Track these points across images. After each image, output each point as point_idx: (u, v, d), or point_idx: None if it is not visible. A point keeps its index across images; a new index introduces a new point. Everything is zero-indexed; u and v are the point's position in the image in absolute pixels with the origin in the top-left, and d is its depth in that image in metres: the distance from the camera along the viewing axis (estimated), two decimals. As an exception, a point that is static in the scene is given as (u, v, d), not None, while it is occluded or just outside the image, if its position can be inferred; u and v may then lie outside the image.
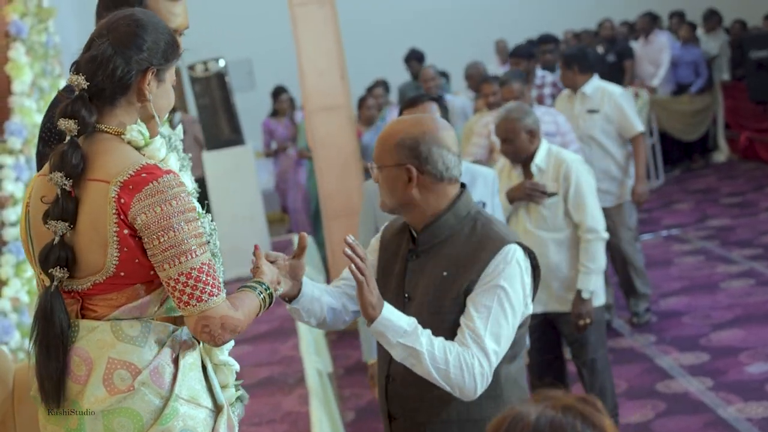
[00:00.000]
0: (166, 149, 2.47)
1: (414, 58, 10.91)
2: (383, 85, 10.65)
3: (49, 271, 2.30)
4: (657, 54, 12.34)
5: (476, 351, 2.67)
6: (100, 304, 2.35)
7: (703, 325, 6.74)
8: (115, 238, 2.27)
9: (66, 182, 2.28)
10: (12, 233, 6.42)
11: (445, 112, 4.00)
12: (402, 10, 15.08)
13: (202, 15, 14.43)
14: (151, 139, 2.42)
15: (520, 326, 2.79)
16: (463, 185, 2.90)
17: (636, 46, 12.77)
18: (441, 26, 15.01)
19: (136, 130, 2.38)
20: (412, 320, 2.70)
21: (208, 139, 9.76)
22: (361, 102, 9.76)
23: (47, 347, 2.31)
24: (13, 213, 6.39)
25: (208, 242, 2.39)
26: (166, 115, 2.54)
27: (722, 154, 13.03)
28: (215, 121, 9.65)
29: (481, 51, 13.42)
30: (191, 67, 9.59)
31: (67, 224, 2.28)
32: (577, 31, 13.80)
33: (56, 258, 2.29)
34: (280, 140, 11.59)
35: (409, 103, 4.09)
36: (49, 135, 2.70)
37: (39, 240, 2.38)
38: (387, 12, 15.00)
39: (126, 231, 2.27)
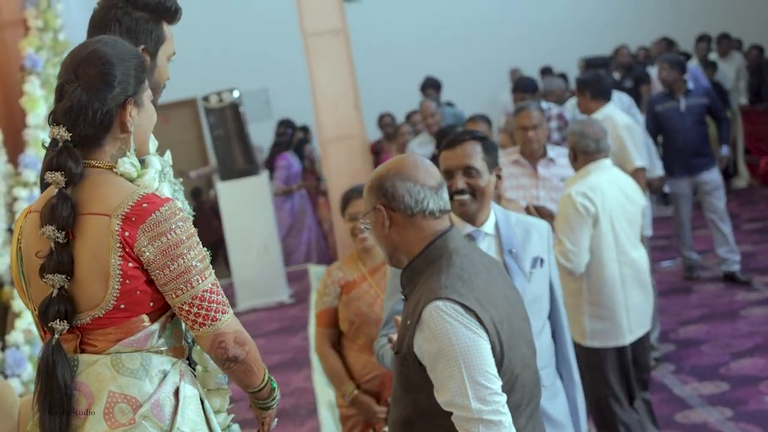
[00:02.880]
0: (159, 178, 2.46)
1: (430, 87, 10.83)
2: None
3: (49, 324, 2.30)
4: (673, 79, 12.27)
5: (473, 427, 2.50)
6: (99, 338, 2.34)
7: (723, 353, 6.64)
8: (118, 272, 2.28)
9: (59, 235, 2.28)
10: (25, 266, 6.39)
11: (489, 152, 3.52)
12: (416, 39, 15.08)
13: (218, 46, 14.61)
14: (144, 170, 2.42)
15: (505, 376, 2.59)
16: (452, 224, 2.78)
17: (652, 71, 12.71)
18: (455, 55, 15.00)
19: (128, 163, 2.39)
20: None
21: (223, 170, 9.76)
22: (397, 129, 9.69)
23: (50, 403, 2.31)
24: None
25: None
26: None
27: (742, 179, 12.91)
28: (230, 152, 9.65)
29: (496, 80, 13.43)
30: (206, 98, 9.61)
31: (64, 276, 2.29)
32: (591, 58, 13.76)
33: (56, 311, 2.29)
34: (296, 176, 11.26)
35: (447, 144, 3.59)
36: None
37: (33, 277, 2.38)
38: (401, 42, 15.00)
39: (131, 264, 2.28)
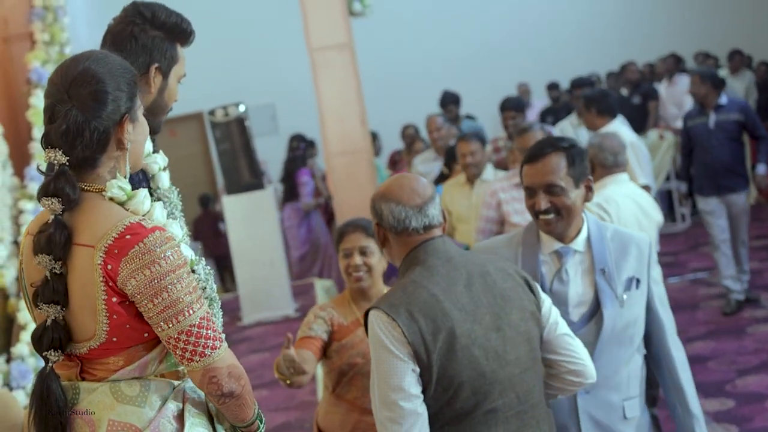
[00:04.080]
0: (150, 200, 2.38)
1: (450, 101, 10.38)
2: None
3: (44, 354, 2.26)
4: (681, 96, 12.27)
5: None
6: (98, 367, 2.31)
7: (729, 370, 6.60)
8: (103, 306, 2.22)
9: (55, 266, 2.22)
10: (30, 278, 6.40)
11: (576, 164, 3.30)
12: (422, 54, 15.11)
13: (224, 61, 14.63)
14: (133, 192, 2.34)
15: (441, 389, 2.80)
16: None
17: (660, 87, 12.71)
18: (463, 71, 15.02)
19: (116, 186, 2.30)
20: None
21: (229, 184, 9.77)
22: (413, 141, 9.65)
23: (45, 428, 2.28)
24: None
25: (204, 288, 2.36)
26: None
27: (750, 196, 12.87)
28: (235, 166, 9.66)
29: (503, 95, 13.41)
30: (211, 113, 9.63)
31: (59, 307, 2.23)
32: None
33: (50, 341, 2.24)
34: (311, 192, 11.10)
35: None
36: None
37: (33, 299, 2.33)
38: (407, 56, 15.04)
39: (115, 299, 2.22)
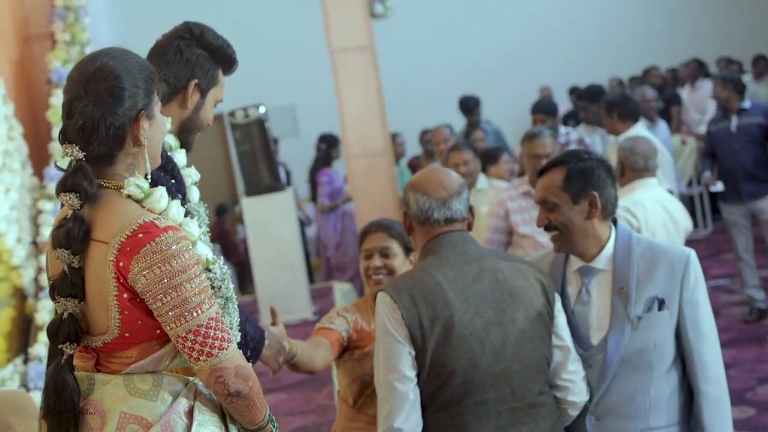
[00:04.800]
0: (167, 199, 2.39)
1: (471, 106, 10.40)
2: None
3: (59, 346, 2.30)
4: (703, 101, 12.18)
5: None
6: (113, 361, 2.34)
7: (750, 378, 6.53)
8: (115, 302, 2.25)
9: (73, 260, 2.26)
10: (49, 278, 6.41)
11: (573, 180, 3.16)
12: (444, 57, 15.07)
13: (244, 61, 14.56)
14: (150, 190, 2.36)
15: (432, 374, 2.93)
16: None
17: (682, 93, 12.63)
18: (484, 74, 14.96)
19: (134, 184, 2.32)
20: None
21: (248, 185, 9.75)
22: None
23: (58, 420, 2.31)
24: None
25: (220, 287, 2.38)
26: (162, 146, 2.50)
27: None
28: (255, 168, 9.65)
29: (525, 99, 13.35)
30: (232, 114, 9.62)
31: (76, 301, 2.28)
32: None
33: (65, 334, 2.28)
34: (339, 191, 10.95)
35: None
36: None
37: None
38: (428, 59, 15.00)
39: (125, 295, 2.25)
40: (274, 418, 2.51)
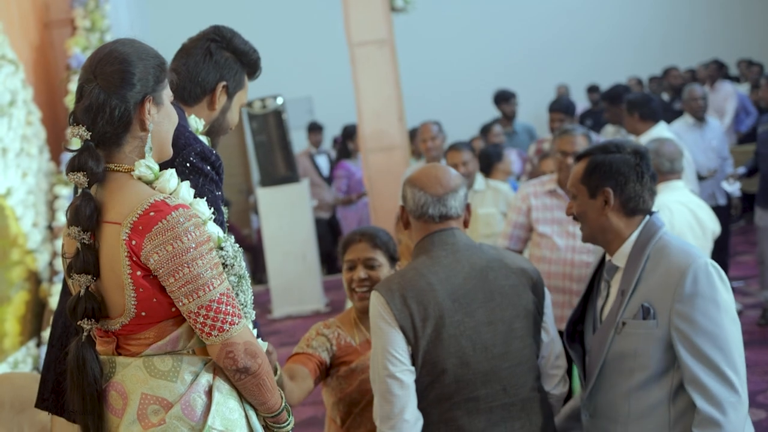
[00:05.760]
0: (176, 180, 2.45)
1: (506, 99, 10.08)
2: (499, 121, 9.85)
3: (78, 323, 2.35)
4: (722, 103, 12.12)
5: None
6: (132, 343, 2.39)
7: (763, 381, 6.50)
8: (129, 281, 2.30)
9: (84, 236, 2.31)
10: (64, 264, 6.43)
11: (593, 174, 3.12)
12: (463, 53, 15.04)
13: (263, 53, 14.57)
14: (161, 172, 2.42)
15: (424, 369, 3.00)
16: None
17: (701, 94, 12.54)
18: (503, 70, 14.92)
19: (144, 165, 2.39)
20: None
21: (264, 176, 9.75)
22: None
23: (82, 395, 2.36)
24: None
25: (233, 265, 2.43)
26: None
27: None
28: (271, 159, 9.65)
29: (543, 97, 13.31)
30: (249, 104, 9.61)
31: (90, 276, 2.33)
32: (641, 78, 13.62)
33: (83, 310, 2.34)
34: (359, 184, 10.95)
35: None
36: None
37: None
38: (448, 54, 14.97)
39: (139, 273, 2.30)
40: (291, 410, 2.54)
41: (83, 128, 2.33)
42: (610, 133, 8.98)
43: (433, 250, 3.08)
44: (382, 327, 2.99)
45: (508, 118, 9.88)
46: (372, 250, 3.49)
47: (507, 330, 3.03)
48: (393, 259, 3.55)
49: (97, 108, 2.32)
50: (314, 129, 11.96)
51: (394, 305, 2.98)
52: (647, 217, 3.08)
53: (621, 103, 7.81)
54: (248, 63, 3.03)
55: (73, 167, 2.32)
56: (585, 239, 3.15)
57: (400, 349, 2.97)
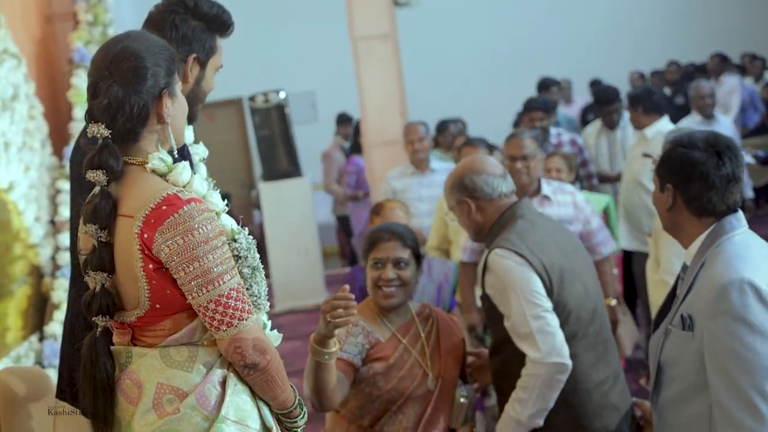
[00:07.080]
0: (189, 172, 2.46)
1: (550, 86, 9.87)
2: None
3: (93, 319, 2.38)
4: (727, 96, 12.07)
5: None
6: (148, 335, 2.41)
7: (766, 378, 6.47)
8: (142, 273, 2.32)
9: (101, 234, 2.33)
10: (66, 258, 6.43)
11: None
12: (467, 47, 15.00)
13: (265, 47, 14.59)
14: (174, 165, 2.43)
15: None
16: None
17: (704, 88, 12.50)
18: (505, 65, 14.90)
19: (158, 158, 2.40)
20: None
21: (266, 171, 9.75)
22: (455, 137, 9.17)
23: (94, 390, 2.39)
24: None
25: (246, 257, 2.43)
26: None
27: (788, 200, 12.66)
28: (273, 153, 9.65)
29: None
30: (252, 98, 9.61)
31: (106, 274, 2.35)
32: (643, 72, 13.57)
33: (98, 307, 2.36)
34: (353, 182, 10.64)
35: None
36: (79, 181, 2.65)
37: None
38: (451, 49, 14.93)
39: (151, 266, 2.31)
40: (303, 405, 2.54)
41: (103, 126, 2.34)
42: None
43: (525, 215, 3.50)
44: (524, 273, 3.32)
45: (550, 108, 9.61)
46: (402, 250, 3.44)
47: (593, 276, 3.56)
48: (418, 258, 3.50)
49: (117, 106, 2.33)
50: (343, 121, 11.65)
51: (528, 254, 3.34)
52: (721, 219, 2.80)
53: (612, 104, 7.78)
54: (218, 26, 2.89)
55: (92, 165, 2.33)
56: (665, 230, 2.93)
57: (544, 290, 3.33)
